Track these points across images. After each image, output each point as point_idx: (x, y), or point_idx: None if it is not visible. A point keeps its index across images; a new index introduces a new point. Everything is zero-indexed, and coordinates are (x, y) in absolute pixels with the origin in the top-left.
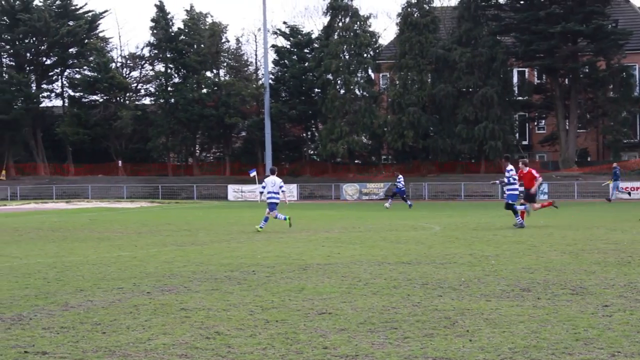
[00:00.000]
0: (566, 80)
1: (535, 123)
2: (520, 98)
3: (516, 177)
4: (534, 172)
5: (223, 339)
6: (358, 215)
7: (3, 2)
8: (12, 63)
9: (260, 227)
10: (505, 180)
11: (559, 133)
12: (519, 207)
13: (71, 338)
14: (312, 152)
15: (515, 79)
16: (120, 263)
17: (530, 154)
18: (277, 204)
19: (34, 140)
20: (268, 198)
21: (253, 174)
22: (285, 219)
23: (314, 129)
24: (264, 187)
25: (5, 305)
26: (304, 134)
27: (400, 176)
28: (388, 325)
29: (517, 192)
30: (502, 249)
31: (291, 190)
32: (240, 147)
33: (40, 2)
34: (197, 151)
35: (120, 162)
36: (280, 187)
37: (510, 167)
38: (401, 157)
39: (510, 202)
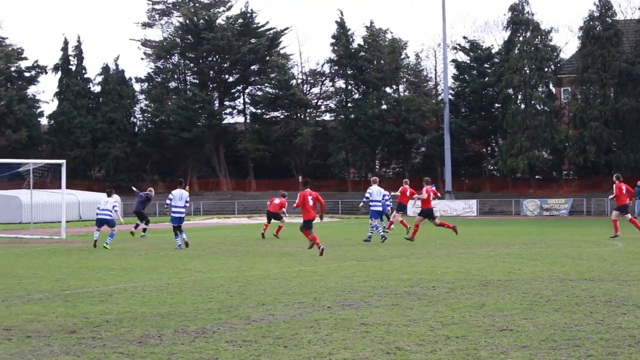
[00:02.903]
0: None
1: None
2: None
3: None
4: None
5: (403, 354)
6: (539, 231)
7: (188, 22)
8: (195, 81)
9: (106, 243)
10: None
11: None
12: None
13: (253, 352)
14: (492, 167)
15: None
16: (301, 277)
17: None
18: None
19: (217, 157)
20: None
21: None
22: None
23: (493, 144)
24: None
25: (189, 318)
26: (484, 149)
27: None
28: (570, 342)
29: None
30: None
31: (470, 206)
32: (420, 163)
33: (223, 20)
34: (377, 167)
35: (300, 177)
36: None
37: None
38: (583, 173)
39: None
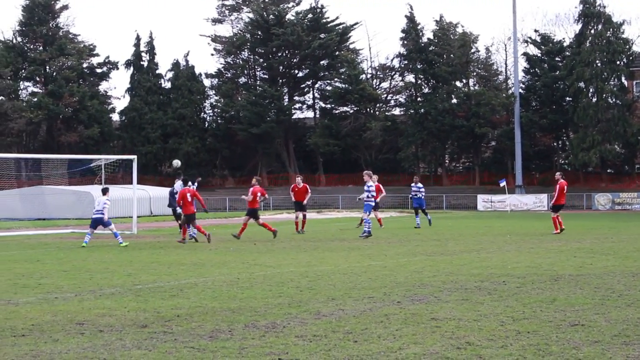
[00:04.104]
0: None
1: None
2: None
3: None
4: None
5: (474, 349)
6: (611, 225)
7: (257, 18)
8: (265, 76)
9: (120, 243)
10: None
11: None
12: None
13: (323, 346)
14: (563, 161)
15: None
16: (371, 272)
17: None
18: (101, 219)
19: (286, 152)
20: (94, 213)
21: (503, 184)
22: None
23: (564, 138)
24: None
25: (259, 313)
26: (555, 143)
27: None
28: None
29: None
30: None
31: (541, 200)
32: (490, 157)
33: (293, 16)
34: (447, 161)
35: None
36: (104, 204)
37: None
38: None
39: None
